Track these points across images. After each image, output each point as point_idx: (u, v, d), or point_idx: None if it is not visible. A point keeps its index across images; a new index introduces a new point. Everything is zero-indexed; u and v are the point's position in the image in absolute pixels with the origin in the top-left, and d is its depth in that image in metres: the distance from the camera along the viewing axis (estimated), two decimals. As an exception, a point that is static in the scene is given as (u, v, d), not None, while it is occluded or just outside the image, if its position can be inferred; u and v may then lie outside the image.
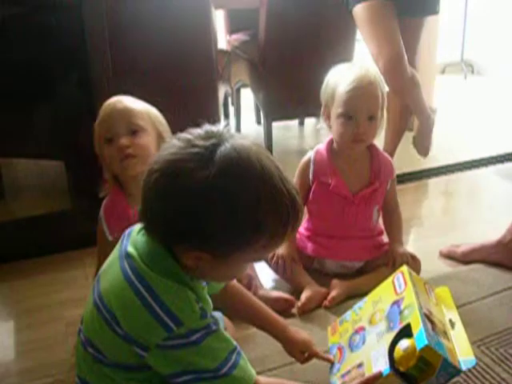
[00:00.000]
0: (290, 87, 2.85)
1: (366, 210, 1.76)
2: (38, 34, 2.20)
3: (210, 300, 1.10)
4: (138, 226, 1.07)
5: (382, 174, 1.75)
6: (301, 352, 1.30)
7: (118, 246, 1.09)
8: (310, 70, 2.77)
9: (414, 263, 1.73)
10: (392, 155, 2.67)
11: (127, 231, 1.10)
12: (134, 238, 1.05)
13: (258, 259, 1.10)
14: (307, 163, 1.77)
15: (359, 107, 1.64)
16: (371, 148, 1.77)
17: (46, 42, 2.21)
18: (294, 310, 1.67)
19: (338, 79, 1.68)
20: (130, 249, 1.03)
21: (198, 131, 0.97)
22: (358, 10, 2.39)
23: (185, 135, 0.97)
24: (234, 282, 1.29)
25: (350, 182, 1.74)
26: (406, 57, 2.36)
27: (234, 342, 1.05)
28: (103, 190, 1.58)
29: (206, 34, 2.55)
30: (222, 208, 0.91)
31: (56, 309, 1.78)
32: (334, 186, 1.72)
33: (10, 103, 2.32)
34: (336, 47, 2.83)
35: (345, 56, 2.84)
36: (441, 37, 3.66)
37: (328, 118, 1.73)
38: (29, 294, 1.88)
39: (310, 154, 1.78)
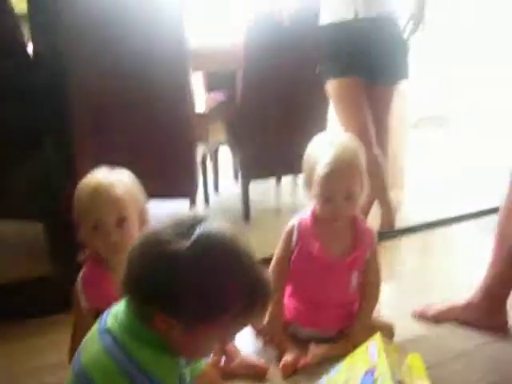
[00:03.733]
0: (266, 148, 2.92)
1: (345, 277, 1.79)
2: (17, 95, 2.25)
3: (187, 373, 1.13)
4: (117, 304, 1.12)
5: (363, 243, 1.78)
6: None
7: (98, 321, 1.13)
8: (285, 132, 2.86)
9: (385, 332, 1.73)
10: (367, 212, 2.76)
11: (108, 309, 1.14)
12: (113, 311, 1.10)
13: (225, 337, 1.11)
14: (291, 231, 1.80)
15: (336, 190, 1.66)
16: (353, 217, 1.80)
17: (26, 103, 2.25)
18: (269, 376, 1.69)
19: (317, 156, 1.69)
20: (110, 322, 1.08)
21: (184, 212, 1.06)
22: (329, 86, 2.54)
23: (172, 216, 1.06)
24: (208, 371, 1.34)
25: (332, 249, 1.77)
26: (373, 136, 2.48)
27: None
28: (81, 255, 1.61)
29: (184, 99, 2.63)
30: (187, 278, 0.97)
31: (35, 375, 1.75)
32: (316, 252, 1.75)
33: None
34: (310, 111, 2.93)
35: (319, 121, 2.96)
36: (413, 91, 3.79)
37: (309, 191, 1.75)
38: (5, 362, 1.85)
39: (294, 222, 1.81)
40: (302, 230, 1.79)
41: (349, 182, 1.67)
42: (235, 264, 1.00)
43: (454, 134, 5.25)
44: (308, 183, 1.75)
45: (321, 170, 1.66)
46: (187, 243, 0.98)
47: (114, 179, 1.48)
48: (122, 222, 1.45)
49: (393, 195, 2.82)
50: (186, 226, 1.01)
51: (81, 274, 1.54)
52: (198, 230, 1.00)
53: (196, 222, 1.02)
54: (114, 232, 1.44)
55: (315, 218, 1.79)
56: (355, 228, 1.79)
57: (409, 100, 3.66)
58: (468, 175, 3.92)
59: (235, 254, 1.01)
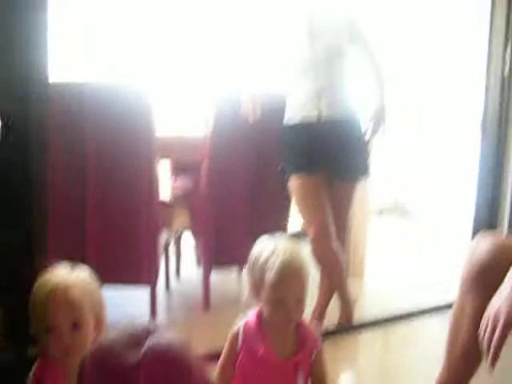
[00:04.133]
0: (229, 237, 2.95)
1: (291, 378, 1.79)
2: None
3: None
4: None
5: (307, 345, 1.78)
6: None
7: None
8: (248, 223, 2.90)
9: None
10: (326, 304, 2.78)
11: None
12: None
13: None
14: (236, 334, 1.80)
15: (288, 294, 1.68)
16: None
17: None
18: None
19: (265, 263, 1.70)
20: None
21: (135, 322, 1.07)
22: (291, 182, 2.62)
23: (125, 325, 1.07)
24: None
25: (277, 350, 1.75)
26: (332, 232, 2.55)
27: None
28: (35, 348, 1.60)
29: (150, 187, 2.67)
30: None
31: None
32: (262, 354, 1.74)
33: None
34: (273, 204, 3.00)
35: (281, 214, 3.02)
36: (376, 181, 3.90)
37: (257, 295, 1.76)
38: None
39: (239, 326, 1.81)
40: (247, 333, 1.78)
41: (300, 286, 1.70)
42: (183, 376, 1.02)
43: (416, 224, 5.37)
44: (255, 287, 1.76)
45: (272, 276, 1.68)
46: (137, 356, 0.99)
47: (72, 281, 1.48)
48: (77, 326, 1.45)
49: (353, 285, 2.87)
50: (137, 337, 1.02)
51: (33, 370, 1.51)
52: (148, 343, 1.01)
53: (147, 333, 1.03)
54: (69, 336, 1.44)
55: (260, 319, 1.79)
56: (300, 330, 1.79)
57: (371, 190, 3.75)
58: (429, 266, 4.00)
59: (183, 366, 1.02)
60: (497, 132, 3.23)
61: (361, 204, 3.50)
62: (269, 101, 2.81)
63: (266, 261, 1.71)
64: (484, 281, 1.72)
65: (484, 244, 1.73)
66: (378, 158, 3.61)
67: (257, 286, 1.74)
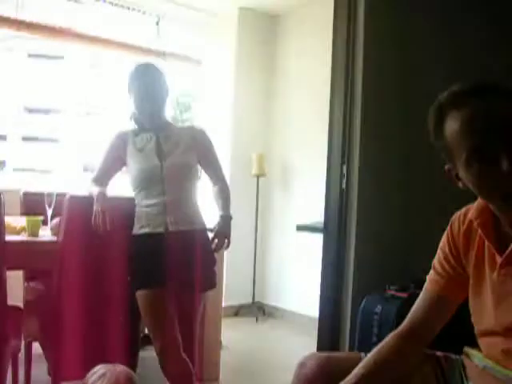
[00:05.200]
0: (78, 350, 2.80)
1: None
2: None
3: None
4: None
5: None
6: None
7: None
8: (97, 336, 2.85)
9: None
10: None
11: None
12: None
13: None
14: None
15: None
16: None
17: None
18: None
19: None
20: None
21: None
22: (138, 295, 2.66)
23: None
24: None
25: None
26: (180, 344, 2.60)
27: None
28: None
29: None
30: None
31: None
32: None
33: None
34: (124, 314, 2.88)
35: (133, 328, 2.97)
36: (234, 280, 4.00)
37: None
38: None
39: None
40: None
41: None
42: None
43: (272, 323, 5.50)
44: None
45: None
46: None
47: None
48: None
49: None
50: None
51: None
52: None
53: None
54: None
55: None
56: None
57: (225, 291, 3.85)
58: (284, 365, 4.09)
59: None
60: (337, 233, 3.45)
61: (213, 305, 3.57)
62: (122, 207, 2.85)
63: None
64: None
65: (310, 361, 1.78)
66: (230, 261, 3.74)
67: None
